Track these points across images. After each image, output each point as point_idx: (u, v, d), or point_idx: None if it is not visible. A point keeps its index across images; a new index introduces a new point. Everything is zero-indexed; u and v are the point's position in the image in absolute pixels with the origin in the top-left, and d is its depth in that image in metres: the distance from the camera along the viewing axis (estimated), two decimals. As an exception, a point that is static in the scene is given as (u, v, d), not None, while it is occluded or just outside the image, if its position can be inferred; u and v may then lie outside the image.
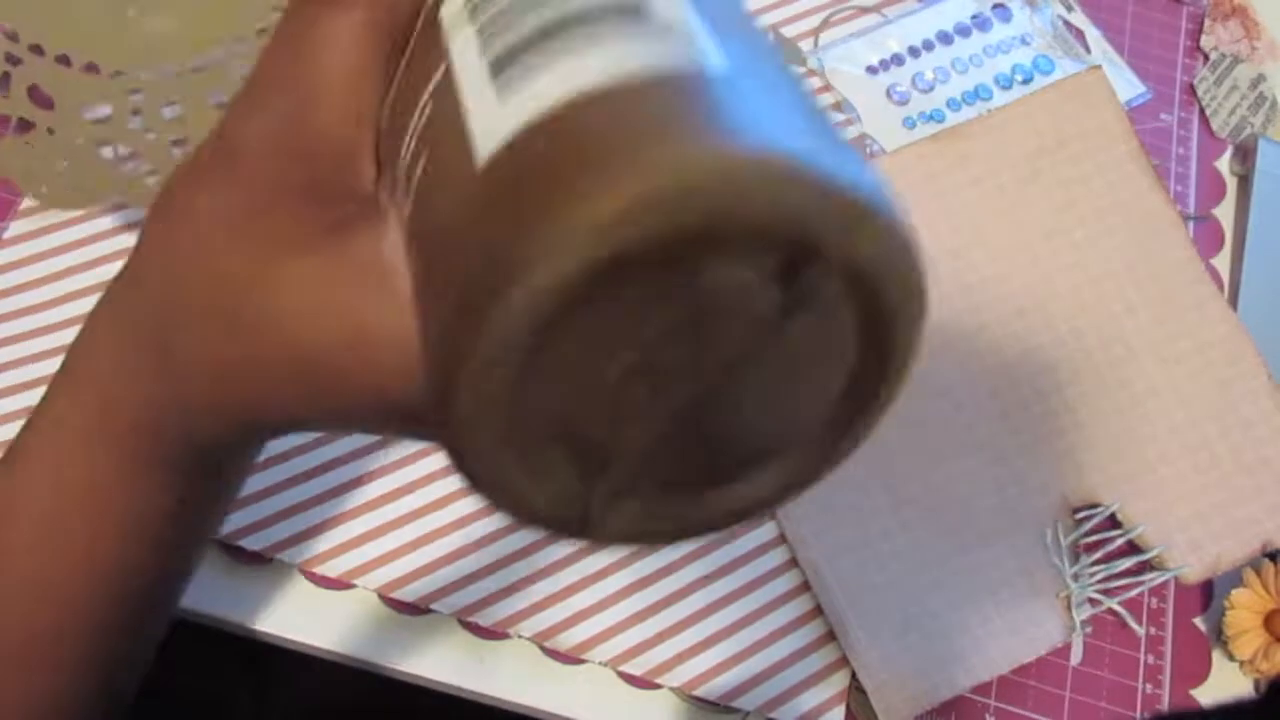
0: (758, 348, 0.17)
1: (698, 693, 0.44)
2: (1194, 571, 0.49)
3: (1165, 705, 0.48)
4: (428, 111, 0.19)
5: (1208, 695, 0.49)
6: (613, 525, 0.19)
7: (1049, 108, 0.54)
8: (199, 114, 0.45)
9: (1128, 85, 0.61)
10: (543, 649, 0.44)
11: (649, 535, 0.19)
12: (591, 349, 0.16)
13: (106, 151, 0.46)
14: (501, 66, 0.17)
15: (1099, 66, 0.55)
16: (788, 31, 0.58)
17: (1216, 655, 0.49)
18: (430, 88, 0.19)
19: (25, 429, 0.26)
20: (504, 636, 0.44)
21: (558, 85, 0.16)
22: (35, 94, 0.45)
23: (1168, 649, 0.49)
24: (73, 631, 0.27)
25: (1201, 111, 0.61)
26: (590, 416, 0.17)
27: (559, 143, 0.15)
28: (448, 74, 0.18)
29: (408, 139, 0.19)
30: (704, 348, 0.16)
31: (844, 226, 0.15)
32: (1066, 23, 0.61)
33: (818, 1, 0.59)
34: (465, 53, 0.18)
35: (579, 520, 0.18)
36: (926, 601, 0.46)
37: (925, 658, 0.45)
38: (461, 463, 0.17)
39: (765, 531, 0.47)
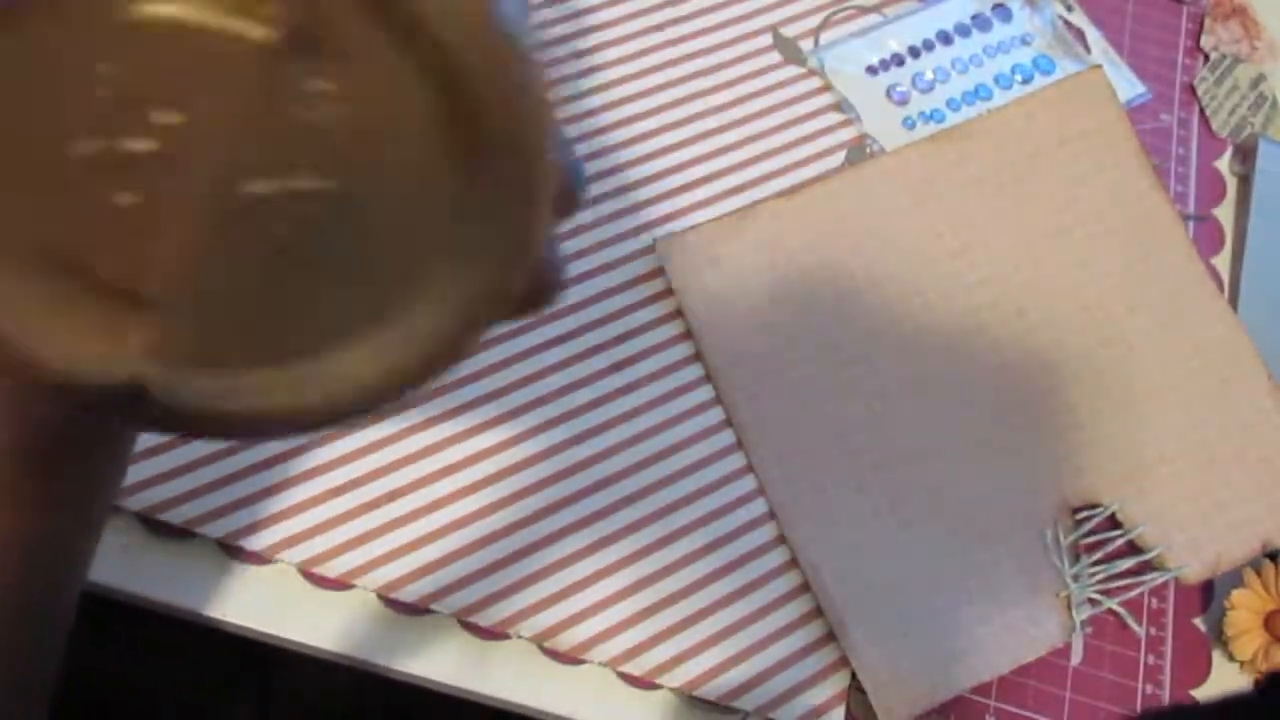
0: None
1: (698, 693, 0.44)
2: (1194, 571, 0.49)
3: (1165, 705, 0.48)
4: None
5: (1208, 696, 0.49)
6: (181, 400, 0.14)
7: (1049, 108, 0.54)
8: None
9: (1128, 85, 0.61)
10: (542, 649, 0.44)
11: (229, 416, 0.14)
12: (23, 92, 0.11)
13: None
14: None
15: (1099, 66, 0.55)
16: (788, 31, 0.58)
17: (1216, 655, 0.49)
18: None
19: None
20: (504, 636, 0.44)
21: None
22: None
23: (1168, 649, 0.49)
24: None
25: (1201, 111, 0.61)
26: (73, 228, 0.12)
27: None
28: None
29: None
30: (202, 96, 0.11)
31: None
32: (1066, 23, 0.61)
33: (818, 1, 0.59)
34: None
35: (131, 390, 0.13)
36: (926, 601, 0.46)
37: (925, 658, 0.45)
38: None
39: (765, 532, 0.47)
